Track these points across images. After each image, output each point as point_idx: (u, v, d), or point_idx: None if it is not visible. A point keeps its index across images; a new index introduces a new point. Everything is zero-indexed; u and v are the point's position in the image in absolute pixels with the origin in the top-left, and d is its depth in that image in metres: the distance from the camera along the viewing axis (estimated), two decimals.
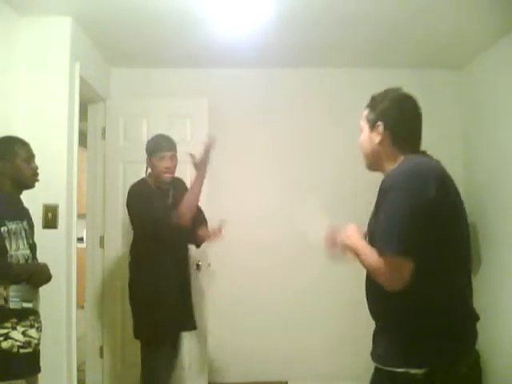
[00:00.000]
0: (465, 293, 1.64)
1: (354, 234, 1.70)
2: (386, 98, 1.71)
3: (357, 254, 1.65)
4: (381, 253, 1.54)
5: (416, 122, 1.71)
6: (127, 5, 2.88)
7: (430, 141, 4.46)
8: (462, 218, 1.64)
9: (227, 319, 3.86)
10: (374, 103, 1.73)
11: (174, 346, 3.01)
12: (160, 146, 2.84)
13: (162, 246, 2.79)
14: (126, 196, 2.89)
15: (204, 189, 3.59)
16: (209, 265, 3.57)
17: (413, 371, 1.54)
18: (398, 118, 1.68)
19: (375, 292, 1.67)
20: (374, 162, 1.75)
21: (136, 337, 2.88)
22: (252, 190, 3.96)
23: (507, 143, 3.29)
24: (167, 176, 2.84)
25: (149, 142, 2.92)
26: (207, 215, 3.25)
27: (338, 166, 3.93)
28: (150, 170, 2.93)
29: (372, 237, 1.64)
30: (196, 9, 2.93)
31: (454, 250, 1.58)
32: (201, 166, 2.77)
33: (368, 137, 1.72)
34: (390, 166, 1.66)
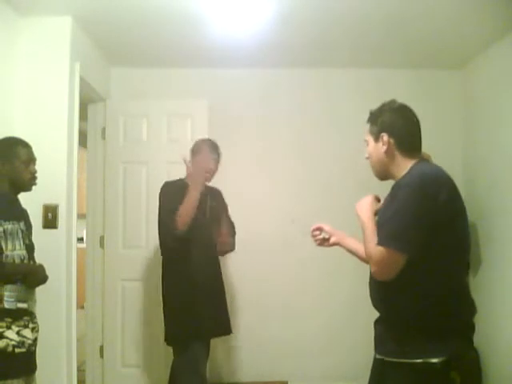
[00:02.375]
0: (468, 289, 1.79)
1: (366, 207, 1.81)
2: (385, 110, 1.83)
3: (362, 228, 1.77)
4: (379, 242, 1.66)
5: (416, 127, 1.82)
6: (127, 5, 2.88)
7: (431, 141, 4.45)
8: (466, 221, 1.78)
9: None
10: (374, 117, 1.84)
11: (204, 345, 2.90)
12: (206, 147, 2.90)
13: (187, 247, 2.76)
14: (159, 195, 2.85)
15: None
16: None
17: (432, 360, 1.63)
18: (400, 126, 1.79)
19: (385, 289, 1.74)
20: (382, 171, 1.84)
21: (172, 340, 2.81)
22: (252, 189, 3.96)
23: (507, 143, 3.29)
24: (207, 176, 2.83)
25: (196, 142, 2.98)
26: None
27: (338, 165, 3.93)
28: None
29: (379, 226, 1.74)
30: (196, 9, 2.93)
31: (458, 252, 1.73)
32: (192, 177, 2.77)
33: (374, 148, 1.82)
34: (399, 172, 1.77)
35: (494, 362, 3.35)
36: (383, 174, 1.85)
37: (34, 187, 2.33)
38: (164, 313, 2.86)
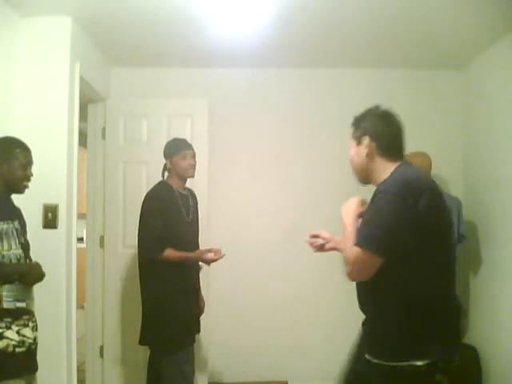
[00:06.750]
0: (453, 290, 1.81)
1: (350, 210, 1.82)
2: (368, 115, 1.87)
3: (343, 230, 1.81)
4: (355, 243, 1.69)
5: (399, 131, 1.85)
6: (127, 5, 2.88)
7: (431, 141, 4.45)
8: (450, 227, 1.80)
9: (227, 319, 3.86)
10: (357, 121, 1.89)
11: (192, 347, 3.02)
12: (181, 146, 2.95)
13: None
14: (143, 200, 2.92)
15: (204, 188, 3.62)
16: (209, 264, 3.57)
17: (417, 363, 1.65)
18: (383, 130, 1.83)
19: (372, 292, 1.77)
20: (364, 175, 1.88)
21: (152, 343, 2.91)
22: (251, 189, 3.96)
23: (507, 143, 3.29)
24: (192, 172, 2.94)
25: (168, 144, 3.00)
26: (207, 215, 3.25)
27: (340, 166, 3.92)
28: (167, 173, 2.99)
29: (357, 229, 1.77)
30: (196, 9, 2.93)
31: (442, 258, 1.74)
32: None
33: (356, 151, 1.86)
34: (381, 176, 1.79)
35: (494, 362, 3.35)
36: (364, 178, 1.88)
37: (34, 187, 2.32)
38: (148, 315, 2.88)
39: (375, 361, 1.74)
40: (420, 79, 3.99)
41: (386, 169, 1.79)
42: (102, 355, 3.71)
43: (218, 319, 3.79)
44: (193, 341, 2.97)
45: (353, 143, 1.88)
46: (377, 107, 1.88)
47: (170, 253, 2.78)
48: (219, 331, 3.80)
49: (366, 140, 1.81)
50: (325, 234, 2.12)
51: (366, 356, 1.80)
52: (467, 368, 3.39)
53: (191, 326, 2.94)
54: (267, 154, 3.99)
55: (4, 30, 2.83)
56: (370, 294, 1.79)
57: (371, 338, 1.81)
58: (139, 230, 2.89)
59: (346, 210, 1.84)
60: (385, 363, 1.70)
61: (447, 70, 3.97)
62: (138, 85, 3.95)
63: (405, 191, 1.65)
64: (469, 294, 3.72)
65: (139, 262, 2.96)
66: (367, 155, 1.82)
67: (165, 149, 3.00)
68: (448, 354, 1.70)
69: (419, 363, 1.65)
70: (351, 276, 1.72)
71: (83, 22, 3.10)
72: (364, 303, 1.85)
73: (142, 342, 2.90)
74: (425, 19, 3.07)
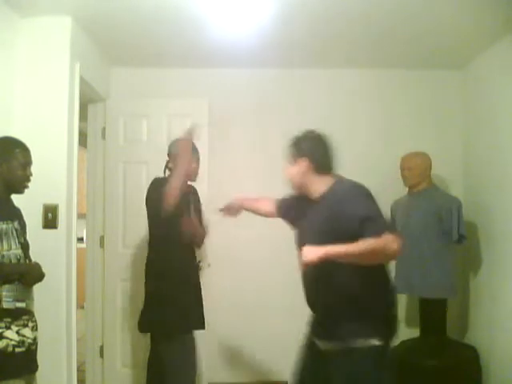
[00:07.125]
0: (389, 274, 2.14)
1: (323, 248, 1.84)
2: (306, 138, 2.18)
3: (347, 252, 1.82)
4: (380, 234, 1.82)
5: (331, 152, 2.16)
6: (127, 4, 2.88)
7: (431, 141, 4.44)
8: None
9: (227, 319, 3.85)
10: (296, 144, 2.18)
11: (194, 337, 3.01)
12: (189, 147, 2.88)
13: (177, 243, 2.84)
14: (147, 189, 2.88)
15: (204, 188, 3.62)
16: (209, 265, 3.57)
17: (377, 343, 1.91)
18: (318, 151, 2.13)
19: (328, 285, 2.00)
20: (302, 190, 2.17)
21: (159, 329, 2.86)
22: (251, 189, 3.95)
23: (507, 143, 3.29)
24: (194, 177, 2.92)
25: (174, 144, 2.94)
26: (207, 215, 3.29)
27: (338, 166, 3.93)
28: (169, 172, 2.95)
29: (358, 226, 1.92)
30: (196, 8, 2.93)
31: None
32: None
33: (295, 170, 2.14)
34: (318, 189, 2.10)
35: (494, 362, 3.35)
36: (302, 192, 2.18)
37: (34, 187, 2.32)
38: (149, 300, 2.87)
39: (334, 347, 1.96)
40: (420, 79, 3.99)
41: (321, 182, 2.09)
42: (101, 355, 3.71)
43: (217, 319, 3.78)
44: (194, 327, 2.92)
45: (290, 163, 2.16)
46: (312, 131, 2.17)
47: (171, 190, 2.59)
48: (219, 331, 3.79)
49: (306, 161, 2.09)
50: (235, 201, 2.63)
51: (320, 344, 2.03)
52: (467, 368, 3.39)
53: (192, 312, 2.89)
54: (267, 154, 3.99)
55: (4, 31, 2.83)
56: (325, 283, 1.99)
57: (327, 325, 2.03)
58: (147, 211, 2.88)
59: (325, 249, 1.82)
60: (348, 346, 1.91)
61: (447, 70, 3.97)
62: (138, 85, 3.95)
63: (368, 190, 1.99)
64: (469, 293, 3.72)
65: (149, 242, 2.94)
66: (305, 173, 2.09)
67: (170, 148, 2.96)
68: (396, 330, 2.02)
69: (378, 343, 1.90)
70: (395, 254, 1.85)
71: (83, 21, 3.10)
72: (316, 292, 2.05)
73: (141, 328, 2.88)
74: (425, 19, 3.07)
